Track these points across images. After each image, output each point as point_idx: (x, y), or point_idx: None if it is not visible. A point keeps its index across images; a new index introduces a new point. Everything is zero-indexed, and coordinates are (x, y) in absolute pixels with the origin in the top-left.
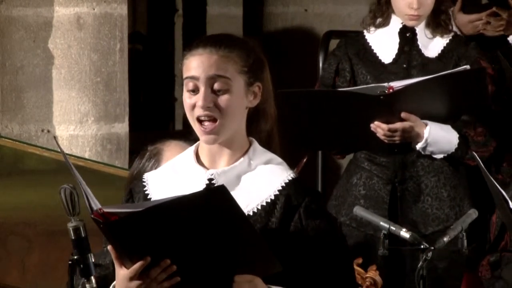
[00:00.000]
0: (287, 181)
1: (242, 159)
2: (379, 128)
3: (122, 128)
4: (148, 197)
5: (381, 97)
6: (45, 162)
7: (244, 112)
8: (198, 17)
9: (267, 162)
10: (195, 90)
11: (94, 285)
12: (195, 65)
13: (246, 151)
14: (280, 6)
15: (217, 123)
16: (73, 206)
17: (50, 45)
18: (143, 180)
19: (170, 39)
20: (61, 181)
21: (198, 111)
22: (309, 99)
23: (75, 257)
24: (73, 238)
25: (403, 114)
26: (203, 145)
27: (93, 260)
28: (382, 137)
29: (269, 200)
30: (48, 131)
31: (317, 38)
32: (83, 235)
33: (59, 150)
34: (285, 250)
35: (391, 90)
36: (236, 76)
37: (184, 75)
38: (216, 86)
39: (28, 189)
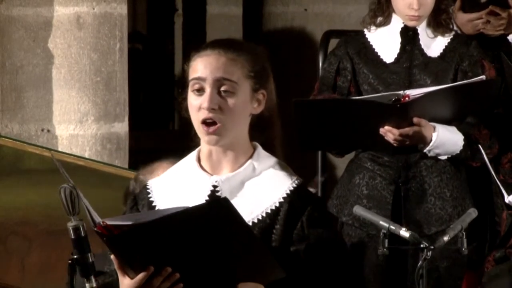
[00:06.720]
0: (292, 188)
1: (246, 164)
2: (389, 133)
3: (122, 127)
4: (153, 204)
5: (398, 105)
6: (45, 161)
7: (248, 118)
8: (198, 16)
9: (272, 167)
10: (200, 90)
11: (94, 285)
12: (202, 66)
13: (250, 156)
14: (280, 6)
15: (220, 124)
16: (73, 205)
17: (50, 44)
18: (147, 187)
19: (170, 38)
20: (61, 180)
21: (204, 114)
22: (323, 107)
23: (75, 256)
24: (73, 237)
25: (415, 119)
26: (205, 150)
27: (93, 260)
28: (392, 142)
29: (273, 208)
30: (48, 131)
31: (317, 38)
32: (83, 235)
33: (59, 150)
34: (287, 257)
35: (407, 99)
36: (243, 81)
37: (191, 76)
38: (222, 88)
39: (28, 189)
